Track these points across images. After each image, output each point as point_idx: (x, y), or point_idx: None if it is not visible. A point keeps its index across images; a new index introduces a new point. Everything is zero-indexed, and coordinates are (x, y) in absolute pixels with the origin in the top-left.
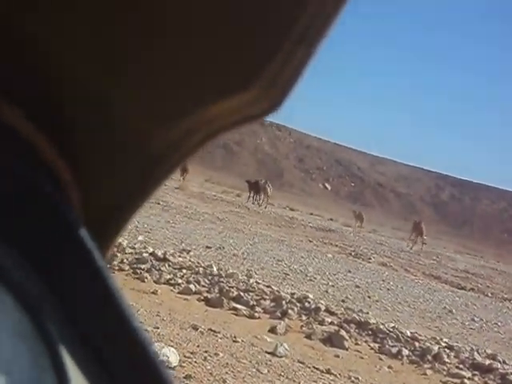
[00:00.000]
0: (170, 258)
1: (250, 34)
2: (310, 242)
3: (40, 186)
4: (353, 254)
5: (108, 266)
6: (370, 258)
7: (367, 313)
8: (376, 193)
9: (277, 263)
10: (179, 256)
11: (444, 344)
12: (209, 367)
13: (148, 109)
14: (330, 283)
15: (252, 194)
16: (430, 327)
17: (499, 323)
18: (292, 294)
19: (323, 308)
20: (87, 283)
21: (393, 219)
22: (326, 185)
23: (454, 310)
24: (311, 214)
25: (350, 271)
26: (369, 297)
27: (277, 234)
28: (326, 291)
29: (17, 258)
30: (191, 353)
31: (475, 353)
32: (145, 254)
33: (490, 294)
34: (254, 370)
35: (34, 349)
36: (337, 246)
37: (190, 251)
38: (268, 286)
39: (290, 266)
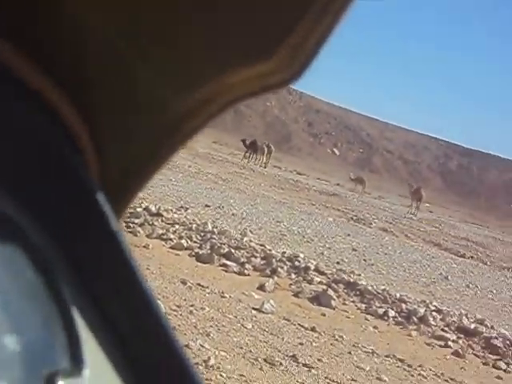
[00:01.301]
0: (164, 214)
1: (271, 2)
2: (313, 205)
3: (60, 148)
4: (354, 218)
5: (122, 230)
6: (371, 223)
7: (359, 275)
8: (384, 160)
9: (275, 224)
10: (175, 213)
11: (433, 307)
12: (194, 320)
13: (168, 74)
14: (327, 245)
15: (249, 154)
16: (424, 292)
17: (494, 291)
18: (283, 252)
19: (313, 267)
20: (102, 246)
21: (400, 186)
22: (335, 150)
23: (449, 277)
24: (318, 178)
25: (349, 235)
26: (364, 260)
27: (279, 196)
28: (322, 253)
29: (33, 219)
30: (177, 306)
31: (463, 317)
32: (139, 209)
33: (488, 263)
34: (239, 324)
35: (46, 310)
36: (339, 210)
37: (188, 209)
38: (261, 245)
39: (288, 228)
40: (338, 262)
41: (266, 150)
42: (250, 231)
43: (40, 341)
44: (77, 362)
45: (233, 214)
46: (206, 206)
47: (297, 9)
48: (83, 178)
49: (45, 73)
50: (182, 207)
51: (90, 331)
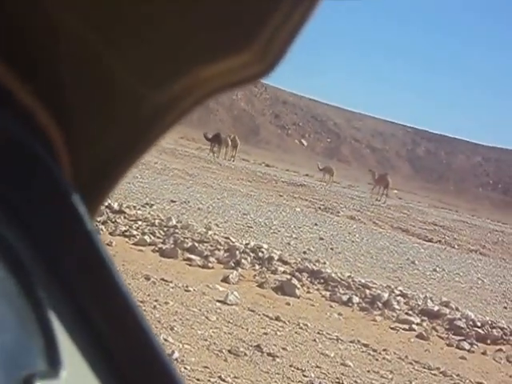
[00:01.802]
0: (126, 211)
1: None
2: (280, 196)
3: (36, 151)
4: (322, 207)
5: (96, 229)
6: (338, 212)
7: (324, 263)
8: (352, 148)
9: (242, 217)
10: (139, 209)
11: (397, 292)
12: (157, 315)
13: (143, 70)
14: (294, 236)
15: (215, 148)
16: (390, 277)
17: (461, 273)
18: (246, 244)
19: (276, 257)
20: (77, 247)
21: (368, 174)
22: (303, 141)
23: (416, 261)
24: (287, 170)
25: (316, 224)
26: (331, 248)
27: (247, 188)
28: (289, 243)
29: (7, 221)
30: (141, 301)
31: (428, 300)
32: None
33: (456, 246)
34: (203, 317)
35: (22, 311)
36: (307, 200)
37: (153, 205)
38: (225, 238)
39: (254, 220)
40: (304, 252)
41: (229, 142)
42: (216, 225)
43: (17, 343)
44: (54, 364)
45: (199, 209)
46: (172, 201)
47: (270, 0)
48: (57, 178)
49: (18, 74)
50: (146, 204)
51: (66, 332)
